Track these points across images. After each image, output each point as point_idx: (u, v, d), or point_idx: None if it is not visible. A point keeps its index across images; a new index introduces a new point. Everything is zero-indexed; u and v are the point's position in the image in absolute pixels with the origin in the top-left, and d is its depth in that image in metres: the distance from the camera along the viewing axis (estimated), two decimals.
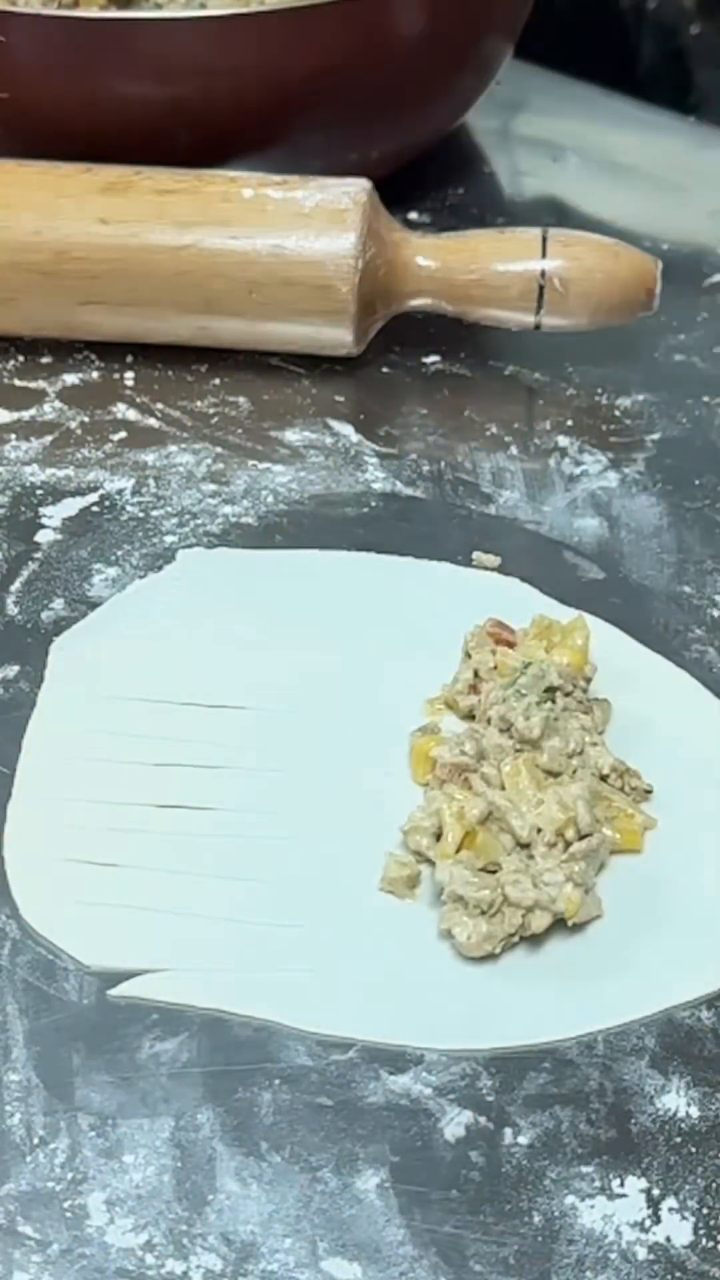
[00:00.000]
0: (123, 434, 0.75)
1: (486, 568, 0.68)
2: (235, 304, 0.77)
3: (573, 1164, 0.49)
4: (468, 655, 0.62)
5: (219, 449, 0.75)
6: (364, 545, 0.69)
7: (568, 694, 0.59)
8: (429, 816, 0.56)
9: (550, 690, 0.59)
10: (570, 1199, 0.48)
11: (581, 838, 0.55)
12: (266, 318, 0.77)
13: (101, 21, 0.79)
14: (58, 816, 0.58)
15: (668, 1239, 0.47)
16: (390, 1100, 0.50)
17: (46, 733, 0.61)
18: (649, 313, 0.77)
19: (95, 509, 0.72)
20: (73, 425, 0.76)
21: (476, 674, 0.61)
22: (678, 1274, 0.47)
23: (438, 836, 0.56)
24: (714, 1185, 0.48)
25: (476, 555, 0.68)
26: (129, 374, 0.79)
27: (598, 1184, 0.48)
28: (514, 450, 0.75)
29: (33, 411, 0.77)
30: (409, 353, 0.80)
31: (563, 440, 0.75)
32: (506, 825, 0.56)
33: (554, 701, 0.58)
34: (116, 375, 0.79)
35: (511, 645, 0.61)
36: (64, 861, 0.57)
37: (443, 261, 0.77)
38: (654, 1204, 0.48)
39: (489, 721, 0.58)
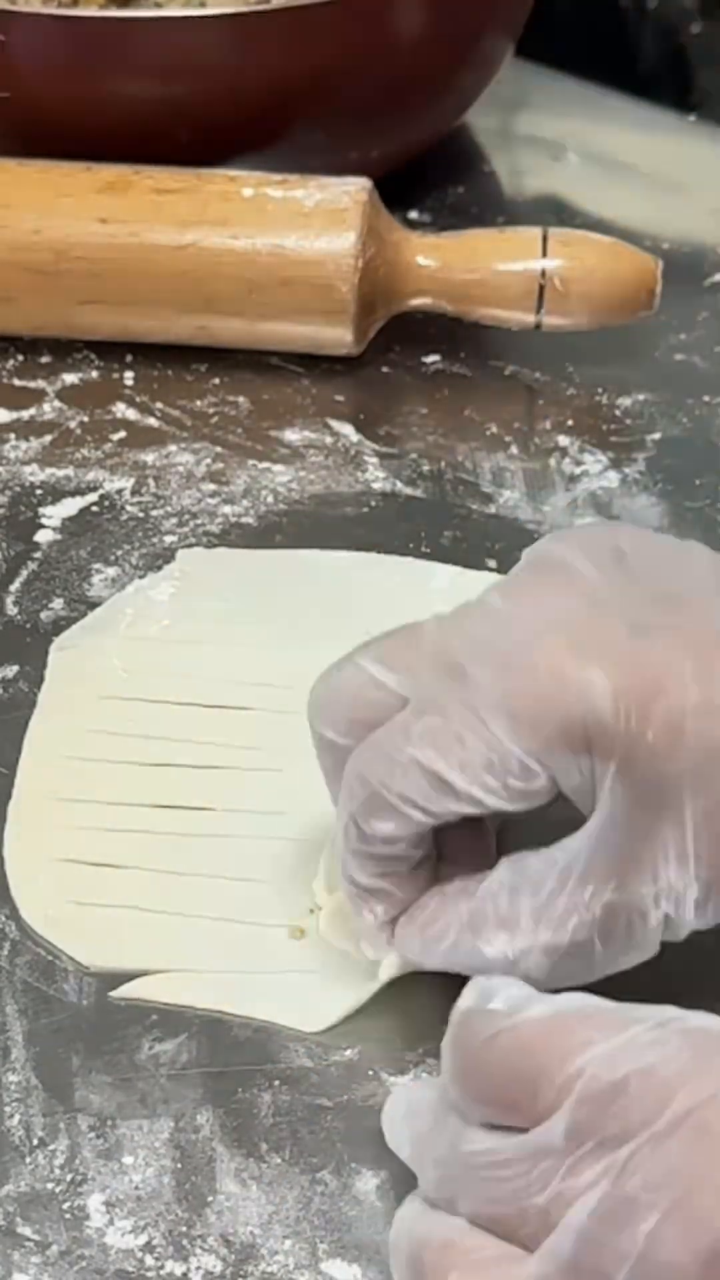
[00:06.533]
0: (122, 434, 0.75)
1: None
2: (235, 303, 0.77)
3: None
4: None
5: (219, 449, 0.75)
6: (364, 545, 0.69)
7: None
8: None
9: None
10: None
11: None
12: (266, 317, 0.77)
13: (101, 21, 0.79)
14: (57, 817, 0.58)
15: None
16: None
17: (46, 733, 0.61)
18: (649, 312, 0.77)
19: (95, 509, 0.71)
20: (72, 425, 0.76)
21: None
22: None
23: None
24: None
25: None
26: (128, 373, 0.79)
27: None
28: (514, 450, 0.75)
29: (32, 411, 0.77)
30: (409, 353, 0.80)
31: (563, 440, 0.75)
32: None
33: None
34: (116, 375, 0.79)
35: None
36: (64, 862, 0.57)
37: (443, 261, 0.77)
38: None
39: None
